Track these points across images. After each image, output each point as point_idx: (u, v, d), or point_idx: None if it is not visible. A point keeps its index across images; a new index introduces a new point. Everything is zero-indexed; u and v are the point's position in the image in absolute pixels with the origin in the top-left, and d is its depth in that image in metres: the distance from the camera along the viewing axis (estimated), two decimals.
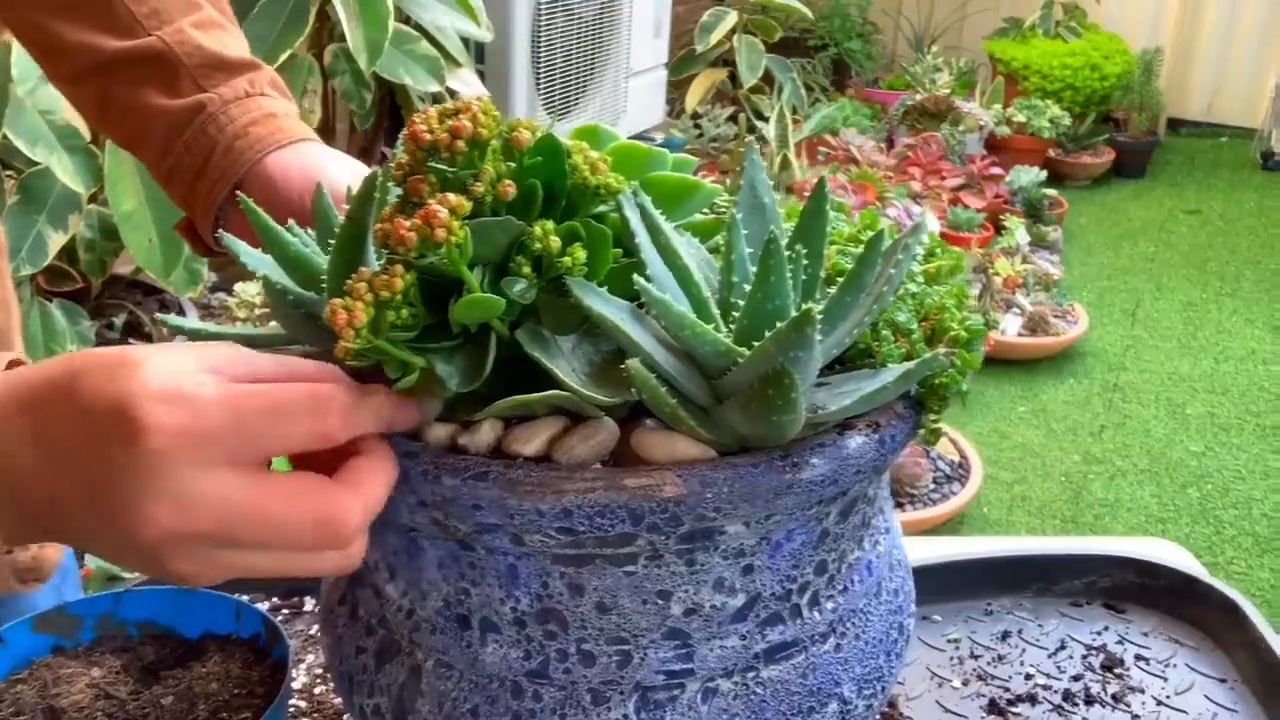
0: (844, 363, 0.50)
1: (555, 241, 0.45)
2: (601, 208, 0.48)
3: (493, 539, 0.45)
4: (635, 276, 0.43)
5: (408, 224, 0.42)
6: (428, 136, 0.45)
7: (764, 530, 0.47)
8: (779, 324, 0.41)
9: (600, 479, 0.44)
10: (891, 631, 0.54)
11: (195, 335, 0.54)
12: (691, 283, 0.47)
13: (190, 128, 0.67)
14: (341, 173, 0.65)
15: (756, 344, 0.42)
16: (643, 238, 0.47)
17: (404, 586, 0.51)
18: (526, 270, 0.45)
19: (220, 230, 0.67)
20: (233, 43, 0.70)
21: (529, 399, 0.45)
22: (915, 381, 0.48)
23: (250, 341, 0.53)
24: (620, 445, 0.47)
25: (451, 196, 0.43)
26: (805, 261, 0.46)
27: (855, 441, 0.47)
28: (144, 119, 0.68)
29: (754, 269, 0.44)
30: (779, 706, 0.49)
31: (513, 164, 0.46)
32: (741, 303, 0.45)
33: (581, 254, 0.45)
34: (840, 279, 0.47)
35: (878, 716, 0.56)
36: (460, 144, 0.44)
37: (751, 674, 0.49)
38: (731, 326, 0.45)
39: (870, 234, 0.48)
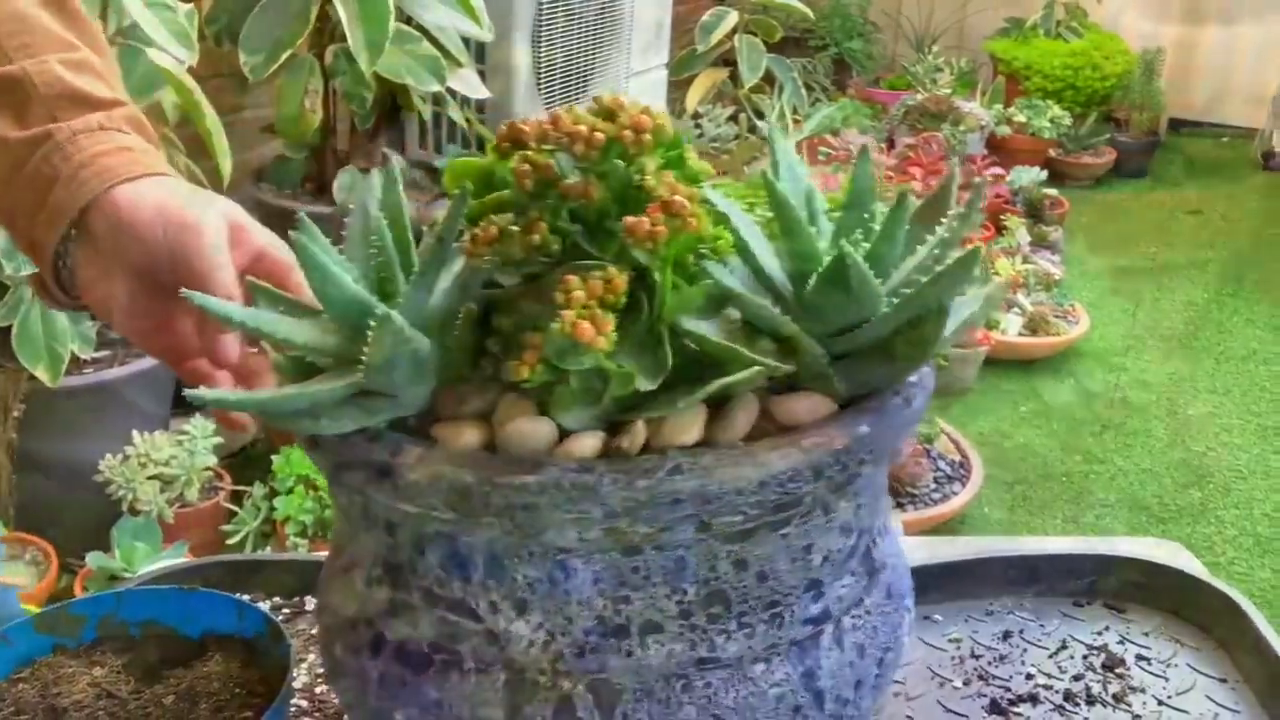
0: None
1: (708, 227, 0.46)
2: None
3: (672, 535, 0.46)
4: (841, 243, 0.45)
5: (655, 218, 0.43)
6: (600, 136, 0.44)
7: (878, 468, 0.51)
8: (896, 271, 0.47)
9: (787, 445, 0.46)
10: (901, 558, 0.59)
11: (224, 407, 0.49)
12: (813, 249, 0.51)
13: (33, 159, 0.59)
14: (210, 215, 0.59)
15: (907, 291, 0.46)
16: (738, 217, 0.49)
17: (540, 618, 0.49)
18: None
19: (61, 279, 0.60)
20: (104, 88, 0.63)
21: (735, 380, 0.46)
22: (994, 309, 0.53)
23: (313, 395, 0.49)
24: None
25: (682, 188, 0.44)
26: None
27: (925, 372, 0.51)
28: None
29: (832, 229, 0.50)
30: (884, 629, 0.53)
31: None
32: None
33: (729, 236, 0.47)
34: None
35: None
36: (647, 138, 0.44)
37: (860, 606, 0.52)
38: None
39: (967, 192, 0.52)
